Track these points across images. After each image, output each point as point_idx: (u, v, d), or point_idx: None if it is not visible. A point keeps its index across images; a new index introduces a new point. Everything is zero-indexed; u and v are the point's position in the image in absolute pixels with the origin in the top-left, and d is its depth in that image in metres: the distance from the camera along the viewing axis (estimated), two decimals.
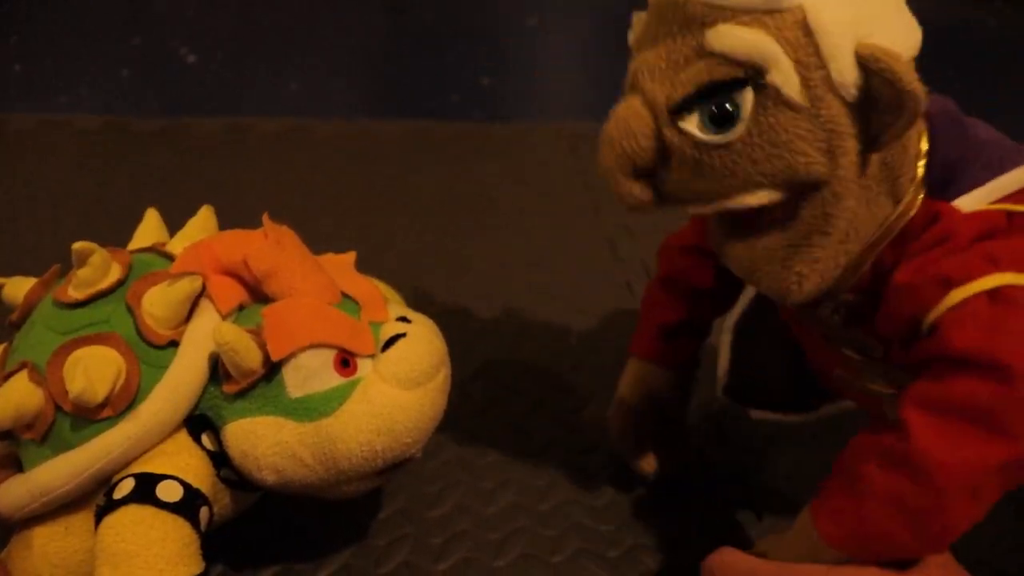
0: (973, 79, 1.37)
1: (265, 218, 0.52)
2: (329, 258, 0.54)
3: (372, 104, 1.45)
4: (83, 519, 0.48)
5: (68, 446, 0.46)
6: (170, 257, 0.52)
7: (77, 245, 0.48)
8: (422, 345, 0.49)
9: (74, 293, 0.48)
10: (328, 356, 0.46)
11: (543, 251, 0.97)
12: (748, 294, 0.63)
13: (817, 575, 0.44)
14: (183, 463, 0.47)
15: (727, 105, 0.40)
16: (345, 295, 0.50)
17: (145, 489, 0.45)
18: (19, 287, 0.52)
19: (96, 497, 0.47)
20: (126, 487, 0.45)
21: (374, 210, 1.05)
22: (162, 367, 0.47)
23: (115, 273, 0.49)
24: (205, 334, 0.47)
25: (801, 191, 0.42)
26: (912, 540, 0.42)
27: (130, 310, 0.48)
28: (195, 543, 0.45)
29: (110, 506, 0.44)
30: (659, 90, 0.42)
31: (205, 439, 0.48)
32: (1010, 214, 0.43)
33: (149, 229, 0.57)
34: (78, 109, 1.33)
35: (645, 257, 0.94)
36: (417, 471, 0.66)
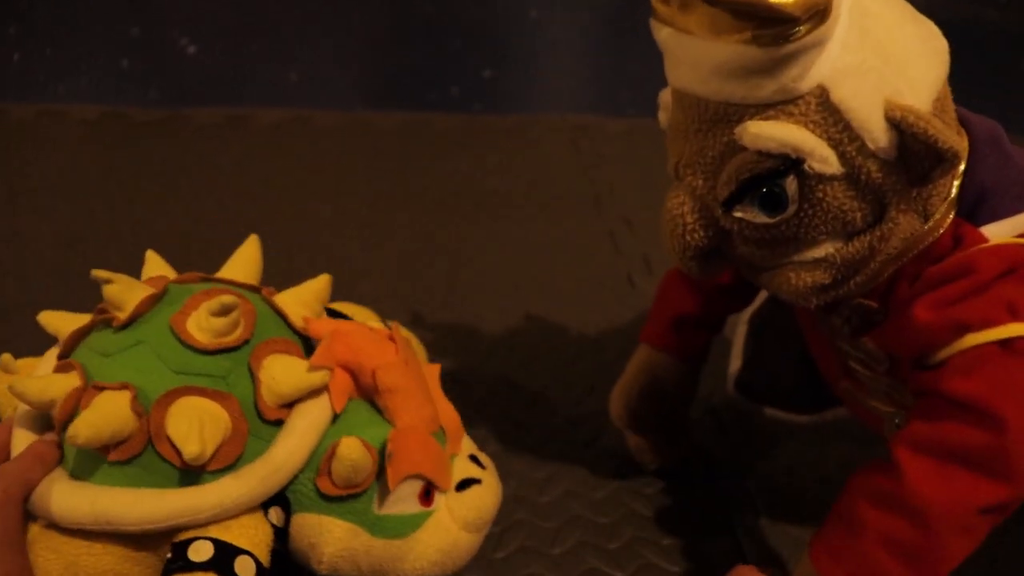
0: (972, 74, 1.37)
1: (395, 326, 0.52)
2: (428, 370, 0.55)
3: (372, 95, 1.45)
4: (124, 543, 0.46)
5: (145, 484, 0.45)
6: (256, 290, 0.52)
7: (227, 299, 0.47)
8: (492, 497, 0.52)
9: (199, 336, 0.47)
10: (418, 486, 0.48)
11: (543, 244, 0.97)
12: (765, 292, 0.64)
13: None
14: (256, 537, 0.46)
15: (775, 190, 0.41)
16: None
17: (225, 561, 0.44)
18: (127, 292, 0.49)
19: (155, 541, 0.46)
20: (204, 552, 0.44)
21: (374, 201, 1.05)
22: (265, 440, 0.47)
23: (242, 331, 0.48)
24: (313, 424, 0.47)
25: (855, 233, 0.43)
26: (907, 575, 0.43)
27: (251, 374, 0.47)
28: None
29: (187, 567, 0.44)
30: (704, 184, 0.43)
31: (272, 513, 0.48)
32: None
33: (155, 266, 0.56)
34: (77, 99, 1.33)
35: (646, 250, 0.94)
36: None
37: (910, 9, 0.42)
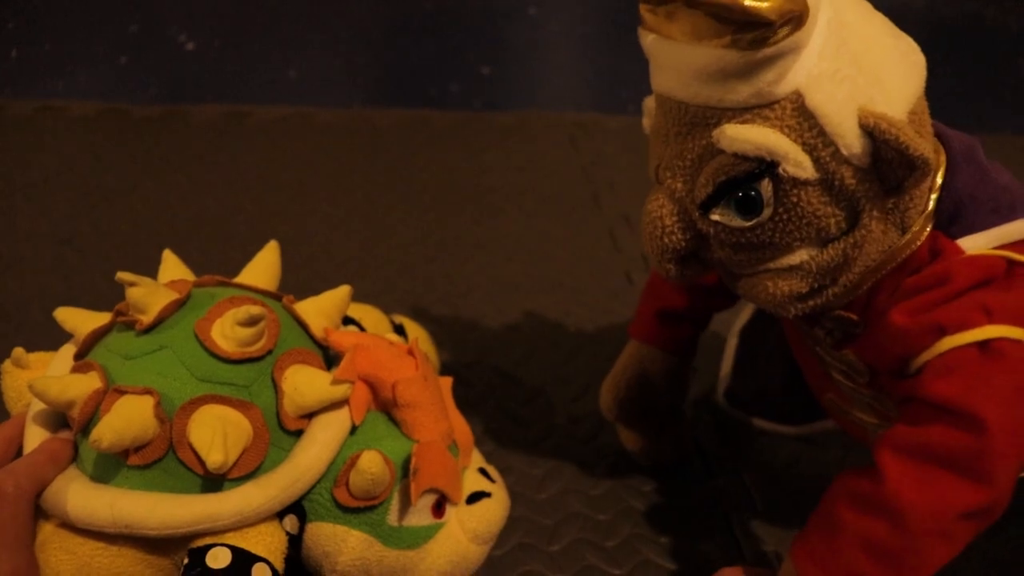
0: (967, 70, 1.38)
1: (413, 342, 0.52)
2: (442, 384, 0.55)
3: (372, 92, 1.44)
4: (139, 547, 0.46)
5: (164, 489, 0.45)
6: (277, 297, 0.52)
7: (255, 310, 0.46)
8: (501, 511, 0.52)
9: (224, 345, 0.47)
10: (432, 498, 0.49)
11: (542, 240, 0.97)
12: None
13: None
14: (272, 545, 0.46)
15: (751, 193, 0.42)
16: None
17: (243, 568, 0.45)
18: (151, 295, 0.48)
19: (172, 546, 0.46)
20: (222, 558, 0.45)
21: (373, 198, 1.05)
22: (284, 450, 0.47)
23: (266, 341, 0.48)
24: (334, 435, 0.48)
25: (829, 240, 0.43)
26: None
27: (274, 384, 0.47)
28: None
29: (206, 573, 0.44)
30: (683, 187, 0.44)
31: (287, 521, 0.48)
32: (1011, 262, 0.44)
33: (170, 267, 0.56)
34: (76, 95, 1.33)
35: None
36: None
37: (889, 25, 0.43)
